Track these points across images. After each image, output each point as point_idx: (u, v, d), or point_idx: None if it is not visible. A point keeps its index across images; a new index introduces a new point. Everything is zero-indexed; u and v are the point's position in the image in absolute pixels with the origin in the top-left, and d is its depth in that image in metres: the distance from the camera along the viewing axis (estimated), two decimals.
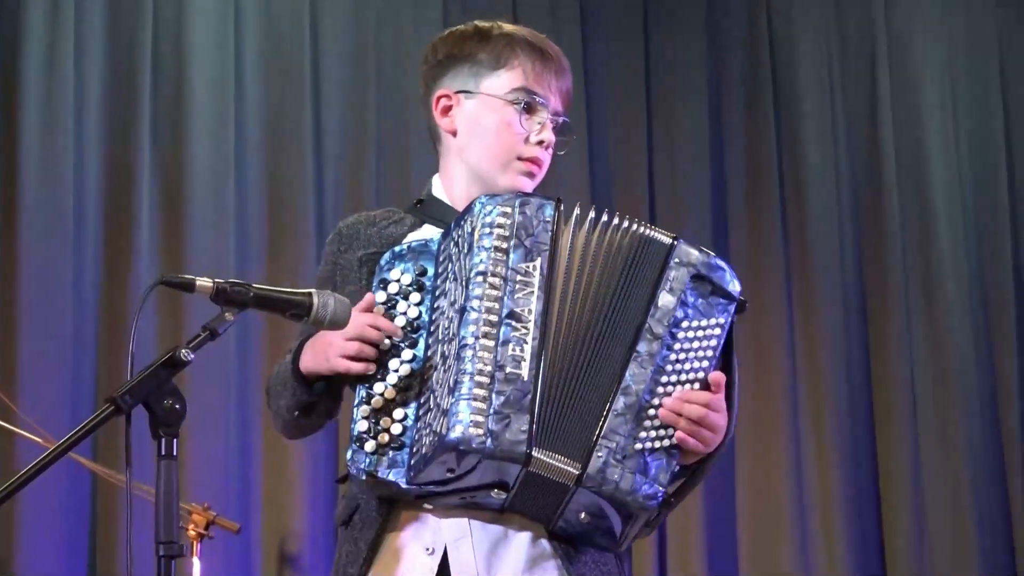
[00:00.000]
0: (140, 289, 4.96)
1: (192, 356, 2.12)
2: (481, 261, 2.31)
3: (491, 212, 2.34)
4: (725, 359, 2.42)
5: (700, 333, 2.36)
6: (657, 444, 2.31)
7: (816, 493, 5.78)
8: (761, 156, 6.04)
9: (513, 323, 2.28)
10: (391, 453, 2.33)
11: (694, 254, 2.38)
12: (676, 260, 2.37)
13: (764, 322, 5.87)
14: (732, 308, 2.39)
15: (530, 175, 2.58)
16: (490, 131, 2.58)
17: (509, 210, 2.35)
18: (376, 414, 2.35)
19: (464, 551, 2.38)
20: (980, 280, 6.04)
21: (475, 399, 2.23)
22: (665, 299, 2.34)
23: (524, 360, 2.27)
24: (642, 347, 2.32)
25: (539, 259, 2.32)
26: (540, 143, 2.57)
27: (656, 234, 2.39)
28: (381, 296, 2.42)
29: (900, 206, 6.03)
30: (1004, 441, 5.90)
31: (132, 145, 5.21)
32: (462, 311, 2.30)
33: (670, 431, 2.32)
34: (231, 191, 5.29)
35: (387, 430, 2.34)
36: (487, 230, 2.33)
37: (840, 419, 5.84)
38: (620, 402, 2.30)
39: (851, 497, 5.79)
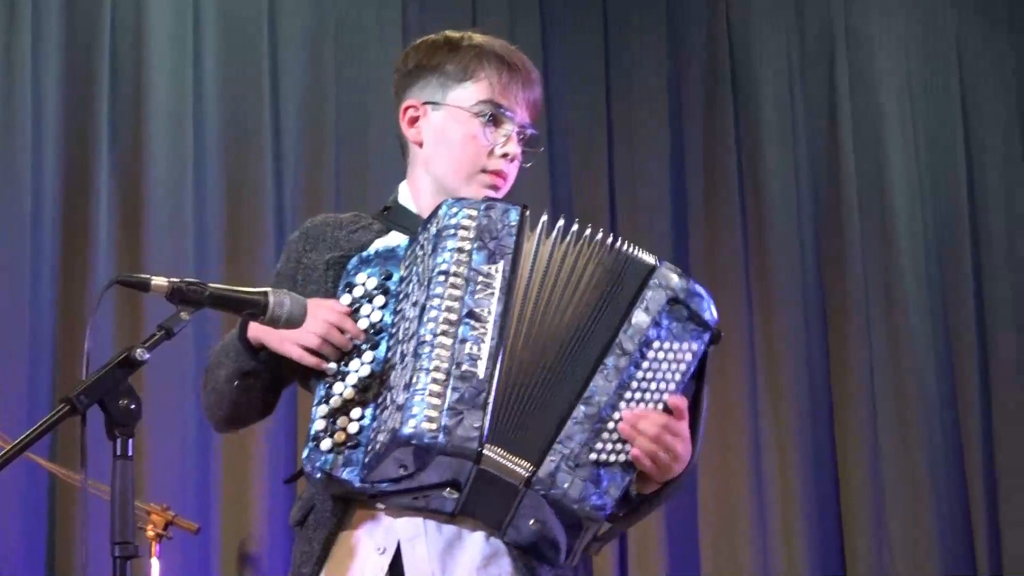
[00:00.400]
0: (98, 290, 4.95)
1: (147, 356, 2.12)
2: (444, 261, 2.32)
3: (456, 214, 2.35)
4: (696, 389, 2.43)
5: (671, 356, 2.36)
6: (612, 457, 2.31)
7: (776, 495, 5.80)
8: (720, 157, 6.07)
9: (472, 322, 2.29)
10: (347, 452, 2.33)
11: (674, 278, 2.39)
12: (656, 282, 2.37)
13: (723, 322, 5.86)
14: (707, 337, 2.40)
15: (494, 188, 2.59)
16: (455, 143, 2.59)
17: (474, 213, 2.35)
18: (334, 413, 2.36)
19: (419, 550, 2.38)
20: (940, 280, 6.08)
21: (430, 394, 2.23)
22: (639, 317, 2.35)
23: (481, 359, 2.27)
24: (610, 361, 2.33)
25: (502, 262, 2.33)
26: (505, 156, 2.58)
27: (640, 254, 2.40)
28: (347, 299, 2.43)
29: (860, 206, 6.06)
30: (964, 441, 5.94)
31: (90, 147, 5.19)
32: (422, 309, 2.31)
33: (627, 447, 2.31)
34: (189, 193, 5.28)
35: (344, 429, 2.34)
36: (452, 231, 2.34)
37: (800, 421, 5.86)
38: (581, 411, 2.30)
39: (811, 499, 5.82)
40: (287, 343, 2.39)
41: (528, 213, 2.39)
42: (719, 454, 5.81)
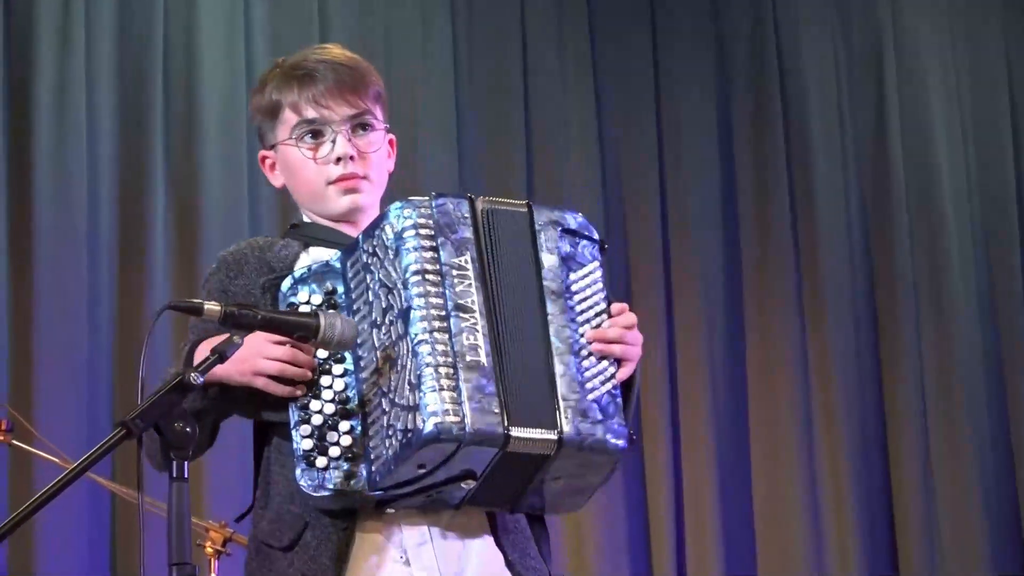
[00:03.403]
0: (154, 313, 4.98)
1: (201, 380, 2.15)
2: (414, 260, 2.33)
3: (410, 215, 2.37)
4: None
5: (588, 279, 2.43)
6: (602, 387, 2.36)
7: (829, 496, 5.84)
8: (770, 167, 6.09)
9: (461, 314, 2.31)
10: (345, 464, 2.33)
11: (549, 213, 2.45)
12: (540, 222, 2.44)
13: (776, 331, 5.91)
14: (597, 246, 2.47)
15: (353, 191, 2.60)
16: (297, 173, 2.62)
17: (427, 211, 2.38)
18: (319, 430, 2.36)
19: (426, 556, 2.40)
20: (989, 289, 6.07)
21: (444, 389, 2.25)
22: (548, 259, 2.41)
23: (480, 347, 2.30)
24: (550, 308, 2.38)
25: (467, 253, 2.36)
26: (339, 160, 2.58)
27: (510, 207, 2.45)
28: None
29: (909, 208, 6.06)
30: (1014, 441, 5.94)
31: (144, 168, 5.23)
32: (406, 311, 2.31)
33: (606, 372, 2.38)
34: (244, 215, 5.32)
35: (336, 443, 2.35)
36: (411, 232, 2.35)
37: (852, 423, 5.90)
38: (558, 365, 2.35)
39: (863, 499, 5.84)
40: (251, 375, 2.38)
41: (475, 201, 2.42)
42: (773, 456, 5.83)
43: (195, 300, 2.23)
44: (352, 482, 2.33)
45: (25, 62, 5.19)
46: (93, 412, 5.00)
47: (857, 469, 5.84)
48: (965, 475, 5.83)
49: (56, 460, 4.18)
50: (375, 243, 2.39)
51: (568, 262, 2.42)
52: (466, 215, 2.39)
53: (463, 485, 2.32)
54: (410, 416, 2.26)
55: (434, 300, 2.31)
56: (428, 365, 2.27)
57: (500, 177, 5.76)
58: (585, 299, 2.42)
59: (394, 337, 2.33)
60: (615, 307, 2.44)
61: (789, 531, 5.80)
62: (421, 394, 2.26)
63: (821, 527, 5.80)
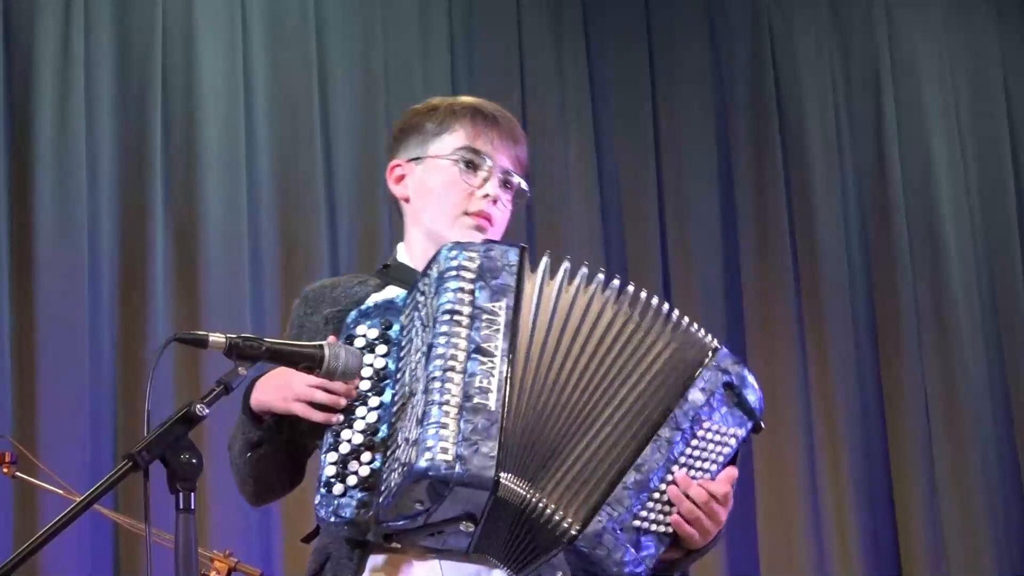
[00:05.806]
0: (156, 343, 5.00)
1: (207, 411, 2.16)
2: (448, 300, 2.36)
3: (457, 256, 2.40)
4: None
5: (718, 437, 2.42)
6: (654, 527, 2.36)
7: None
8: (770, 198, 6.13)
9: (480, 357, 2.32)
10: (360, 495, 2.36)
11: (732, 364, 2.45)
12: (715, 363, 2.44)
13: (778, 360, 5.91)
14: (750, 425, 2.46)
15: (480, 229, 2.66)
16: (437, 190, 2.68)
17: (474, 254, 2.41)
18: (344, 459, 2.39)
19: None
20: (992, 302, 6.08)
21: (443, 427, 2.27)
22: (695, 396, 2.40)
23: (491, 391, 2.30)
24: (664, 432, 2.37)
25: (504, 300, 2.38)
26: (486, 197, 2.65)
27: (702, 334, 2.47)
28: None
29: (910, 235, 6.08)
30: (1022, 469, 5.94)
31: (145, 199, 5.24)
32: (430, 347, 2.34)
33: (668, 518, 2.37)
34: (244, 243, 5.33)
35: (355, 473, 2.37)
36: (453, 273, 2.38)
37: (856, 458, 5.89)
38: (632, 477, 2.34)
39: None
40: (291, 401, 2.43)
41: (527, 253, 2.44)
42: (777, 482, 5.84)
43: (200, 332, 2.23)
44: (363, 512, 2.35)
45: (24, 98, 5.21)
46: (97, 443, 5.00)
47: (862, 495, 5.84)
48: (971, 499, 5.84)
49: (60, 492, 4.19)
50: (425, 282, 2.44)
51: (712, 412, 2.41)
52: (512, 263, 2.41)
53: (462, 528, 2.33)
54: (412, 451, 2.28)
55: (457, 340, 2.33)
56: (434, 403, 2.29)
57: None
58: (703, 448, 2.40)
59: (419, 374, 2.35)
60: (721, 476, 2.42)
61: (793, 563, 5.79)
62: (422, 430, 2.28)
63: (825, 557, 5.80)
